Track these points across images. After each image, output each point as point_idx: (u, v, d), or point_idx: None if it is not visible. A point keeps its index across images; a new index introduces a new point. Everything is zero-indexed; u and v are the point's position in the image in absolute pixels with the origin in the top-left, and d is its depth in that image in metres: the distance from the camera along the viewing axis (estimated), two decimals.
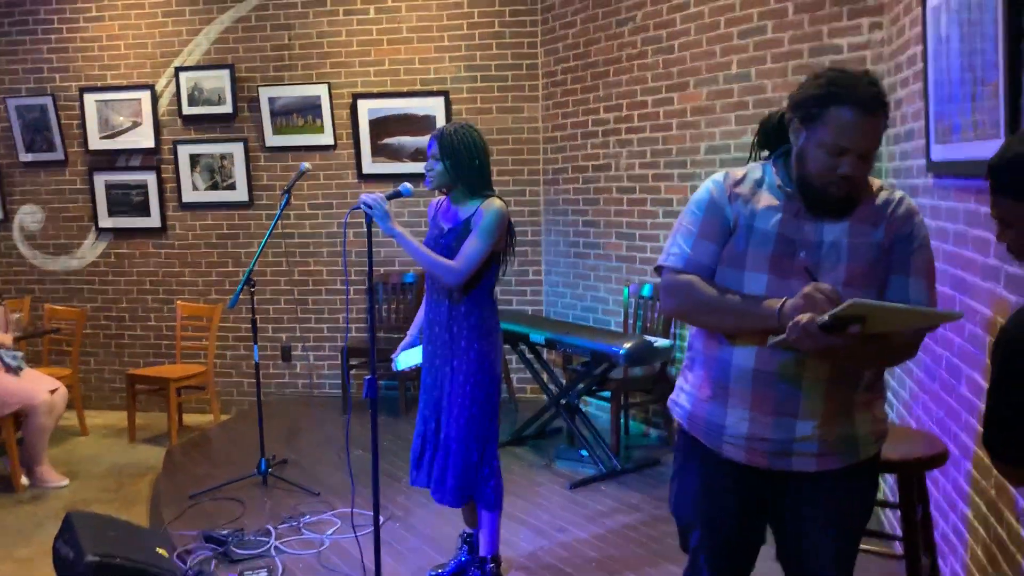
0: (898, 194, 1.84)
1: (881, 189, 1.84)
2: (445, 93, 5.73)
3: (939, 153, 2.77)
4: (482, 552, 3.05)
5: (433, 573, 3.23)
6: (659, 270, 1.95)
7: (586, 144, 5.34)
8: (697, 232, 1.88)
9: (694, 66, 4.58)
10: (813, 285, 1.68)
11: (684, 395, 1.97)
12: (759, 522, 1.97)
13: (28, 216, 6.33)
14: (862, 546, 2.72)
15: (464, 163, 2.87)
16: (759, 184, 1.86)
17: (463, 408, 2.93)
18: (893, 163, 3.56)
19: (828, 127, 1.70)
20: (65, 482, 4.64)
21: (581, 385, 4.62)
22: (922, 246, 1.82)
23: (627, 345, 4.13)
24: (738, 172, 1.90)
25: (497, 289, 3.08)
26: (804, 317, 1.61)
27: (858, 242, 1.78)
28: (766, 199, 1.83)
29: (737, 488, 1.91)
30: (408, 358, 3.16)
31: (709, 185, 1.91)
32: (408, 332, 3.25)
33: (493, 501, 2.98)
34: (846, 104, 1.69)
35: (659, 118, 4.81)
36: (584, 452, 4.62)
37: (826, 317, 1.58)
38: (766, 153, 1.96)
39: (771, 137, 1.94)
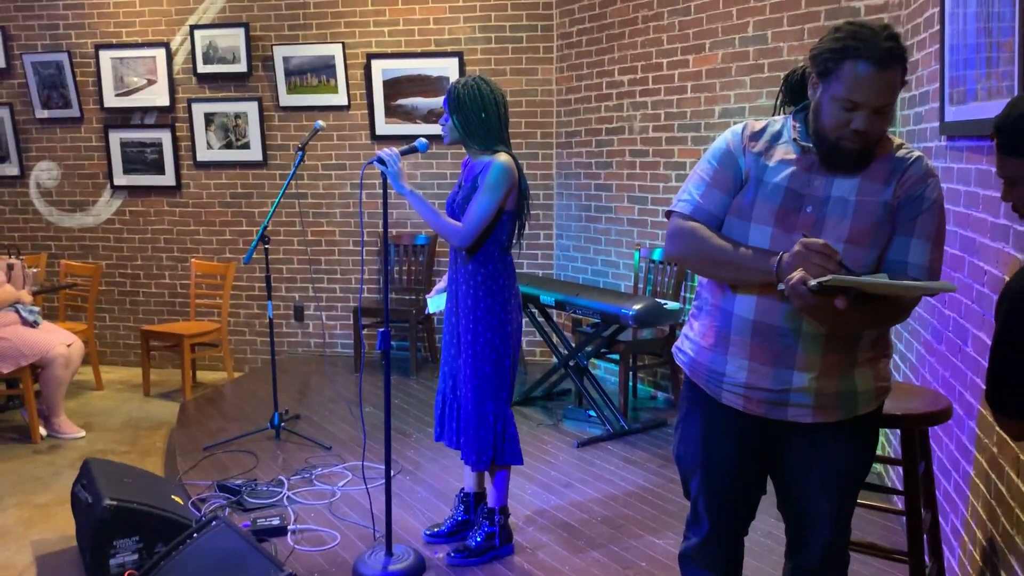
0: (915, 154, 1.83)
1: (900, 147, 1.83)
2: (459, 54, 5.71)
3: (953, 115, 2.77)
4: (490, 504, 3.11)
5: (430, 532, 3.28)
6: (669, 215, 1.97)
7: (600, 107, 5.33)
8: (709, 180, 1.91)
9: (710, 28, 4.56)
10: (803, 241, 1.68)
11: (688, 342, 2.00)
12: (758, 470, 2.00)
13: (44, 173, 6.38)
14: (864, 500, 2.77)
15: (471, 117, 2.87)
16: (776, 137, 1.87)
17: (475, 368, 2.96)
18: (908, 127, 3.55)
19: (842, 81, 1.70)
20: (81, 433, 4.73)
21: (590, 347, 4.66)
22: (931, 209, 1.80)
23: (636, 307, 4.15)
24: (757, 124, 1.92)
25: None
26: (796, 276, 1.63)
27: (866, 200, 1.79)
28: (781, 152, 1.84)
29: (736, 434, 1.95)
30: (438, 302, 3.19)
31: (727, 135, 1.93)
32: (444, 276, 3.24)
33: (513, 455, 3.03)
34: (861, 58, 1.68)
35: (674, 81, 4.80)
36: (592, 412, 4.67)
37: (814, 283, 1.60)
38: (790, 109, 1.97)
39: (795, 92, 1.96)
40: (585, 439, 4.36)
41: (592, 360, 5.20)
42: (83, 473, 3.31)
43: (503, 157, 2.88)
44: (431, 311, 3.24)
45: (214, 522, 2.88)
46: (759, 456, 1.98)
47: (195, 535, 2.85)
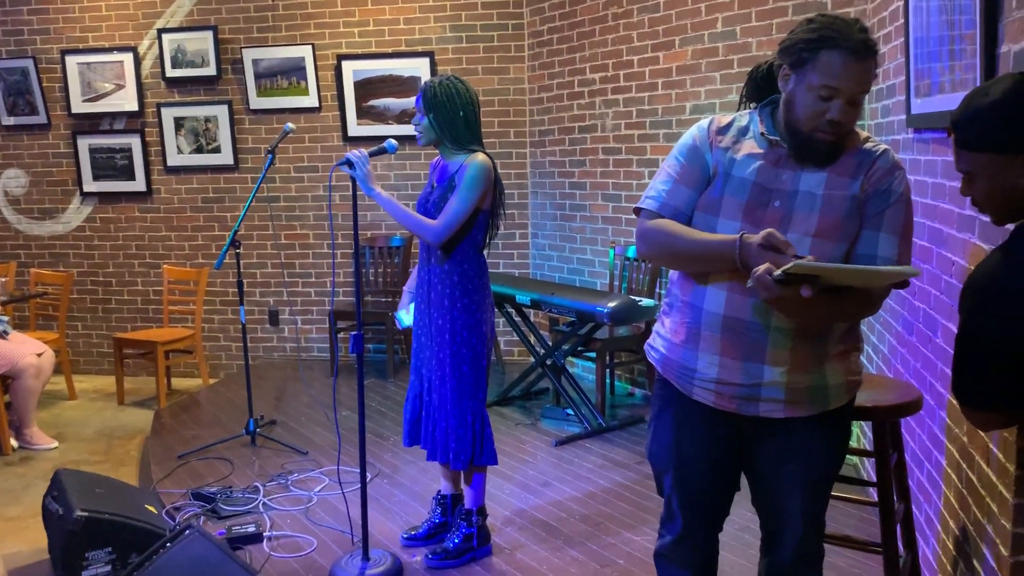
0: (882, 147, 1.83)
1: (867, 141, 1.83)
2: (430, 54, 5.69)
3: (919, 107, 2.79)
4: (468, 505, 3.09)
5: (407, 535, 3.25)
6: (638, 212, 1.97)
7: (572, 105, 5.33)
8: (676, 177, 1.90)
9: (679, 24, 4.57)
10: (765, 233, 1.68)
11: (660, 339, 2.00)
12: (731, 467, 2.00)
13: (12, 180, 6.29)
14: (838, 492, 2.79)
15: (448, 116, 2.85)
16: (743, 132, 1.87)
17: (453, 368, 2.94)
18: (875, 120, 3.58)
19: (818, 71, 1.70)
20: (54, 444, 4.67)
21: (567, 345, 4.65)
22: (899, 202, 1.80)
23: (611, 304, 4.15)
24: (724, 119, 1.92)
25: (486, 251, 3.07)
26: (761, 268, 1.62)
27: (833, 194, 1.79)
28: (748, 147, 1.84)
29: (708, 431, 1.94)
30: (409, 317, 3.16)
31: (693, 131, 1.93)
32: (405, 289, 3.23)
33: (490, 455, 3.02)
34: (838, 48, 1.69)
35: (645, 78, 4.80)
36: (569, 411, 4.67)
37: (779, 272, 1.59)
38: (754, 104, 1.97)
39: (760, 87, 1.96)
40: (563, 438, 4.35)
41: (569, 358, 5.20)
42: (54, 484, 3.26)
43: (481, 157, 2.87)
44: (405, 325, 3.19)
45: (187, 531, 2.84)
46: (732, 453, 1.97)
47: (168, 545, 2.81)
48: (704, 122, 1.93)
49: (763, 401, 1.84)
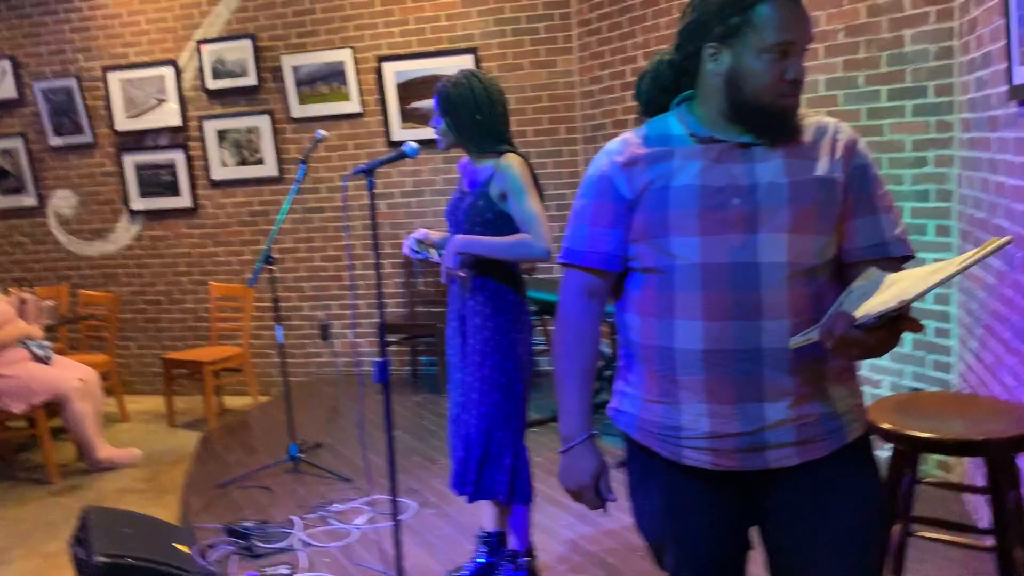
0: (830, 120, 1.54)
1: (805, 116, 1.53)
2: (474, 50, 5.40)
3: None
4: (513, 546, 2.79)
5: None
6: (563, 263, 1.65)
7: (625, 96, 4.97)
8: (590, 221, 1.58)
9: None
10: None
11: (625, 399, 1.63)
12: (741, 532, 1.62)
13: (62, 201, 6.25)
14: (942, 536, 2.38)
15: (464, 119, 2.57)
16: (664, 141, 1.53)
17: (483, 394, 2.65)
18: (968, 95, 3.13)
19: (764, 29, 1.42)
20: (137, 454, 4.64)
21: None
22: (876, 175, 1.52)
23: None
24: (634, 136, 1.58)
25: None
26: (839, 326, 1.29)
27: (799, 180, 1.46)
28: (680, 152, 1.51)
29: (708, 500, 1.56)
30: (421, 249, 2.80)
31: (601, 158, 1.59)
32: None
33: (523, 495, 2.71)
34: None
35: None
36: None
37: (873, 317, 1.25)
38: (650, 115, 1.62)
39: (664, 88, 1.60)
40: (625, 458, 4.00)
41: None
42: (80, 525, 3.09)
43: (512, 159, 2.57)
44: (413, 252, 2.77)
45: None
46: (742, 515, 1.59)
47: None
48: (613, 143, 1.59)
49: (770, 448, 1.47)
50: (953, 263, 1.23)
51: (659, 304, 1.51)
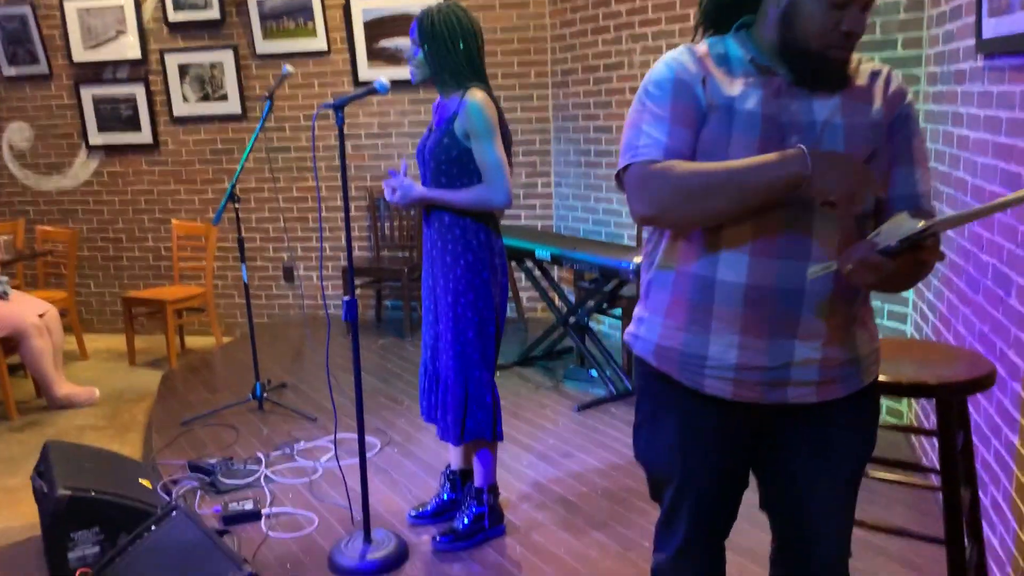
0: (884, 65, 1.53)
1: (861, 61, 1.52)
2: None
3: (993, 29, 2.39)
4: (478, 483, 2.83)
5: (415, 512, 3.01)
6: (620, 176, 1.55)
7: (597, 41, 4.93)
8: (669, 117, 1.48)
9: None
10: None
11: (645, 326, 1.61)
12: (744, 466, 1.67)
13: (17, 134, 6.07)
14: (891, 476, 2.48)
15: (446, 47, 2.53)
16: (724, 60, 1.50)
17: (457, 333, 2.66)
18: (935, 48, 3.16)
19: None
20: (95, 394, 4.60)
21: (591, 303, 4.34)
22: (919, 128, 1.54)
23: (638, 259, 3.83)
24: (701, 47, 1.53)
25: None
26: (860, 248, 1.31)
27: (855, 122, 1.45)
28: (741, 77, 1.47)
29: (722, 430, 1.59)
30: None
31: (670, 63, 1.51)
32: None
33: (492, 433, 2.74)
34: None
35: (675, 8, 4.38)
36: (594, 372, 4.38)
37: (895, 242, 1.27)
38: (712, 31, 1.58)
39: (725, 8, 1.55)
40: (587, 402, 4.07)
41: (595, 316, 4.91)
42: (41, 458, 3.07)
43: (478, 94, 2.53)
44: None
45: (173, 513, 2.63)
46: (747, 450, 1.63)
47: (152, 527, 2.61)
48: (678, 52, 1.52)
49: (792, 385, 1.50)
50: (992, 206, 1.24)
51: (704, 231, 1.49)
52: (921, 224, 1.26)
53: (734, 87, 1.46)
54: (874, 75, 1.50)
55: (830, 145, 1.44)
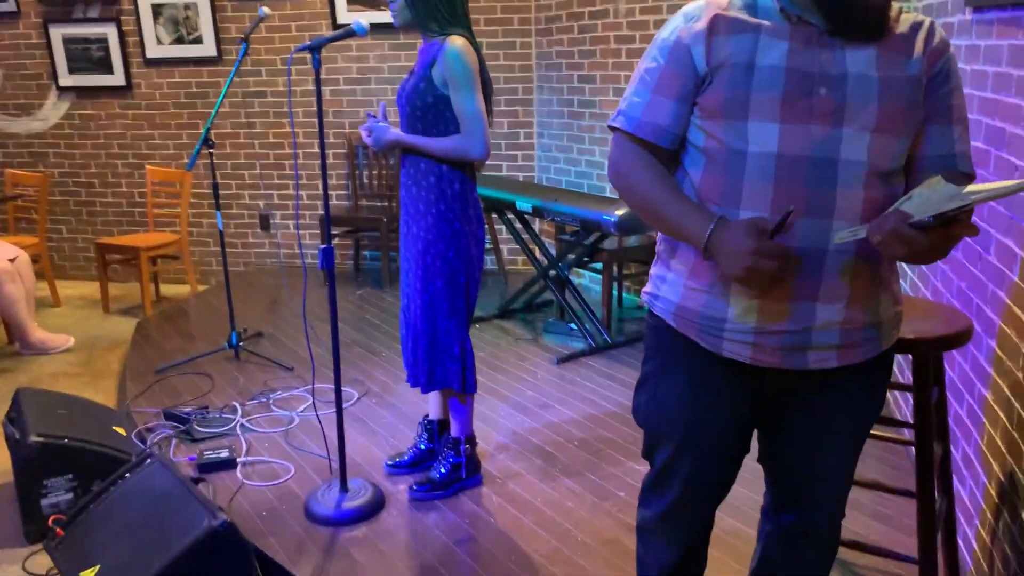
0: (926, 18, 1.45)
1: (902, 12, 1.44)
2: None
3: None
4: (454, 433, 2.83)
5: (392, 462, 3.01)
6: (613, 130, 1.55)
7: None
8: (653, 86, 1.47)
9: None
10: (751, 220, 1.36)
11: (667, 285, 1.58)
12: (748, 432, 1.65)
13: None
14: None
15: None
16: (751, 9, 1.43)
17: (425, 282, 2.63)
18: (924, 0, 3.12)
19: None
20: (70, 341, 4.58)
21: (571, 256, 4.32)
22: (959, 85, 1.45)
23: (620, 212, 3.80)
24: None
25: None
26: (890, 221, 1.26)
27: (891, 76, 1.38)
28: (767, 27, 1.40)
29: (731, 394, 1.57)
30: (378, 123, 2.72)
31: (678, 21, 1.47)
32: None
33: (465, 384, 2.73)
34: None
35: None
36: (573, 325, 4.38)
37: (929, 218, 1.22)
38: None
39: None
40: (565, 355, 4.07)
41: (575, 269, 4.89)
42: (13, 405, 3.03)
43: (458, 41, 2.47)
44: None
45: (148, 460, 2.61)
46: (754, 414, 1.61)
47: (127, 475, 2.59)
48: (689, 8, 1.47)
49: (813, 349, 1.46)
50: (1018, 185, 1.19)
51: (723, 191, 1.44)
52: (959, 200, 1.20)
53: (757, 39, 1.40)
54: (915, 27, 1.42)
55: (860, 99, 1.37)
